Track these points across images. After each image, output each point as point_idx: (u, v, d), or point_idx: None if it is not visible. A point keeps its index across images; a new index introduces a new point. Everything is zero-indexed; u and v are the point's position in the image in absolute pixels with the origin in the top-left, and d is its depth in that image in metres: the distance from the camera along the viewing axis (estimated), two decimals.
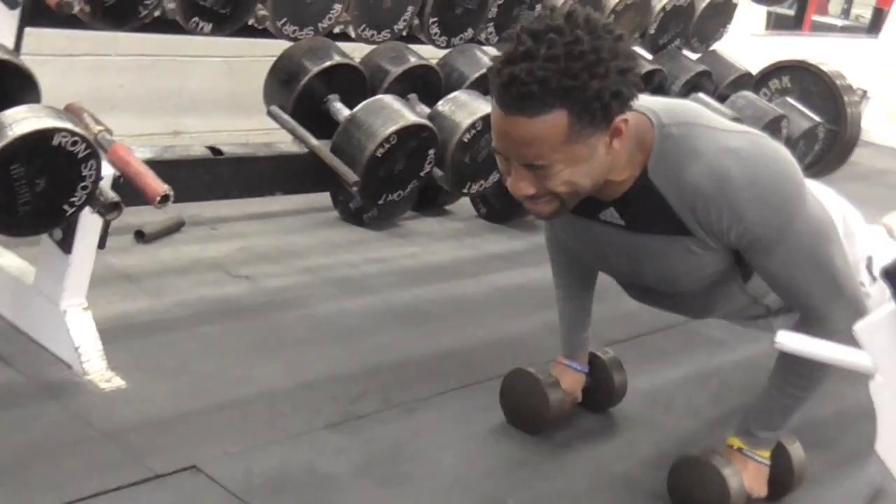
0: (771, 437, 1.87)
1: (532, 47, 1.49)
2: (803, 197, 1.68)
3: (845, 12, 9.80)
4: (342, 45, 2.90)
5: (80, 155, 1.88)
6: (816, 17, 8.22)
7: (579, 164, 1.56)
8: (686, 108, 1.74)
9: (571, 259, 2.08)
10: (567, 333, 2.14)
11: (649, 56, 3.71)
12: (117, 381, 2.03)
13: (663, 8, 3.61)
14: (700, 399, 2.39)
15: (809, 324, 1.73)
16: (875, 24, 8.28)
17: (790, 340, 1.17)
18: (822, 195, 1.83)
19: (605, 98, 1.51)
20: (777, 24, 7.22)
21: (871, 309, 1.94)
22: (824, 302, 1.72)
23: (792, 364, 1.77)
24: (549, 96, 1.49)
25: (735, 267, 1.78)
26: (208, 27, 2.33)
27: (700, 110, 1.73)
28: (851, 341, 1.65)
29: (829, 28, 8.26)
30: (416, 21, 2.80)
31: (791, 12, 7.63)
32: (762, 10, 5.48)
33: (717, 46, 4.02)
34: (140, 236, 2.77)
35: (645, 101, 1.68)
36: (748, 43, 4.84)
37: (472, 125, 2.83)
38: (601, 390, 2.19)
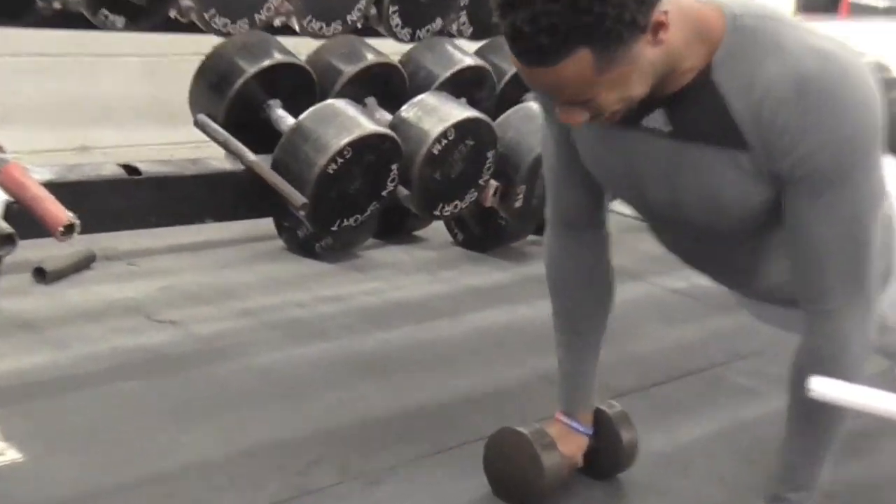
0: (803, 497, 1.88)
1: None
2: (877, 140, 1.71)
3: None
4: (284, 40, 2.92)
5: None
6: None
7: (626, 81, 1.61)
8: (764, 5, 1.77)
9: (577, 296, 2.09)
10: (567, 386, 2.14)
11: None
12: (12, 454, 2.01)
13: None
14: (726, 461, 2.39)
15: (814, 326, 1.77)
16: None
17: (826, 388, 1.18)
18: (888, 167, 1.85)
19: (626, 17, 1.53)
20: (808, 6, 7.32)
21: None
22: (839, 292, 1.74)
23: (805, 403, 1.78)
24: (562, 43, 1.52)
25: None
26: (121, 21, 2.34)
27: (781, 10, 1.78)
28: (859, 358, 1.70)
29: (871, 11, 8.37)
30: (374, 10, 2.81)
31: None
32: None
33: None
34: (40, 275, 2.76)
35: None
36: None
37: (443, 134, 2.85)
38: (607, 452, 2.20)
